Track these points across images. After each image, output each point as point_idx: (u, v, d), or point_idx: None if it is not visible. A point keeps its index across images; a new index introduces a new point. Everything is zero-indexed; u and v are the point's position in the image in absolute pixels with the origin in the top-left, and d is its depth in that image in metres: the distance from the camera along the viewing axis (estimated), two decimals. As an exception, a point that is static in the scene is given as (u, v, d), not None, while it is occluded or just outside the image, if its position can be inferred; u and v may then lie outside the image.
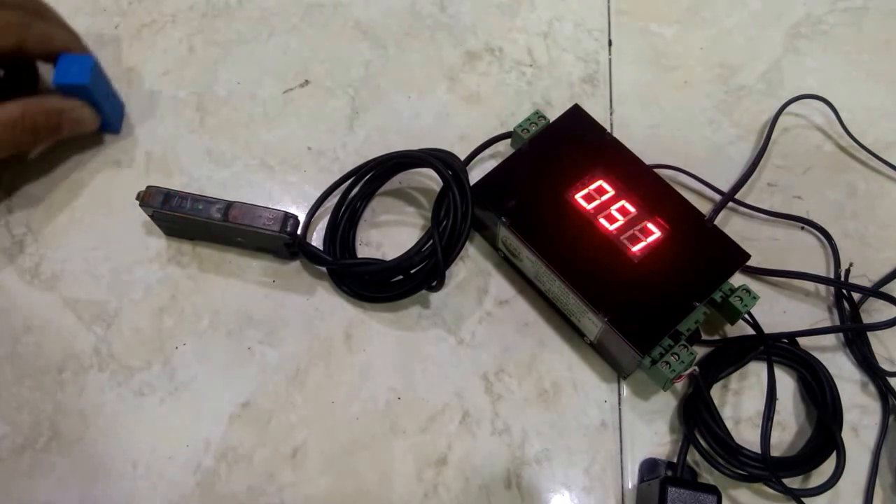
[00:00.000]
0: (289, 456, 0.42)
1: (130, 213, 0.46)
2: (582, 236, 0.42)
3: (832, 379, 0.42)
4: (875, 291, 0.44)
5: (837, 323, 0.45)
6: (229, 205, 0.43)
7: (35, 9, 0.45)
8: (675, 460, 0.41)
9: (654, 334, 0.39)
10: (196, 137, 0.50)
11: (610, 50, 0.53)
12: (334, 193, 0.47)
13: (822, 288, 0.46)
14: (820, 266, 0.46)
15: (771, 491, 0.40)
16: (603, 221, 0.42)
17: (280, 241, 0.44)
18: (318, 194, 0.47)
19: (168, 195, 0.43)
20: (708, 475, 0.41)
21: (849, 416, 0.42)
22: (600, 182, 0.43)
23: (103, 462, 0.42)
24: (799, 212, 0.47)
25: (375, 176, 0.47)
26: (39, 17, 0.45)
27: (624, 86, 0.52)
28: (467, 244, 0.47)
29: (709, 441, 0.41)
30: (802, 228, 0.47)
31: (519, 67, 0.53)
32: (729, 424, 0.41)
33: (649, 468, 0.41)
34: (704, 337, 0.44)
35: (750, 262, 0.41)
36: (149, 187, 0.44)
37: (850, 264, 0.46)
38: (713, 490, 0.38)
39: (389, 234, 0.47)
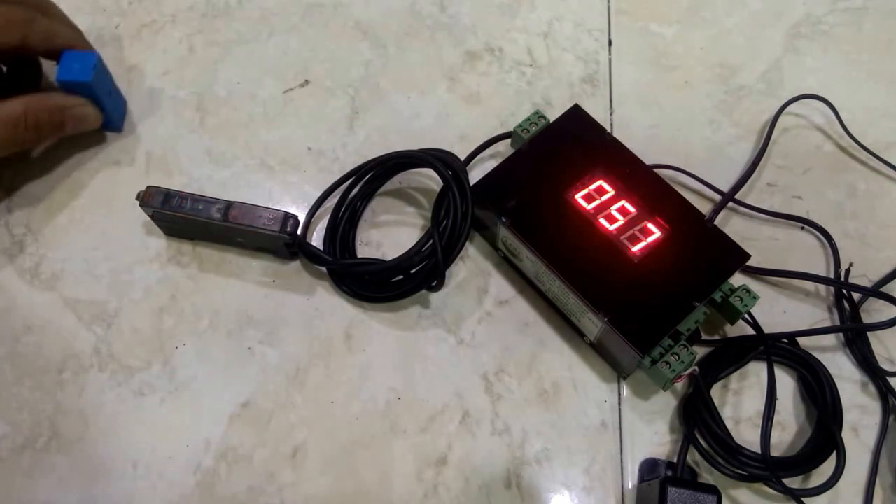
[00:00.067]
0: (289, 456, 0.42)
1: (130, 213, 0.46)
2: (582, 236, 0.42)
3: (832, 379, 0.42)
4: (875, 291, 0.44)
5: (837, 323, 0.45)
6: (229, 205, 0.43)
7: (39, 5, 0.45)
8: (675, 460, 0.41)
9: (654, 334, 0.39)
10: (196, 137, 0.50)
11: (610, 50, 0.53)
12: (334, 193, 0.47)
13: (822, 288, 0.46)
14: (820, 266, 0.46)
15: (771, 491, 0.40)
16: (603, 221, 0.42)
17: (280, 241, 0.44)
18: (318, 194, 0.47)
19: (168, 195, 0.43)
20: (708, 475, 0.41)
21: (849, 416, 0.42)
22: (600, 182, 0.43)
23: (103, 462, 0.42)
24: (799, 212, 0.47)
25: (375, 176, 0.47)
26: (43, 14, 0.45)
27: (624, 86, 0.52)
28: (467, 244, 0.47)
29: (709, 441, 0.41)
30: (802, 228, 0.47)
31: (519, 67, 0.53)
32: (729, 424, 0.41)
33: (649, 468, 0.41)
34: (704, 337, 0.44)
35: (750, 262, 0.41)
36: (149, 187, 0.44)
37: (850, 264, 0.46)
38: (713, 490, 0.38)
39: (389, 234, 0.47)
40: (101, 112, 0.47)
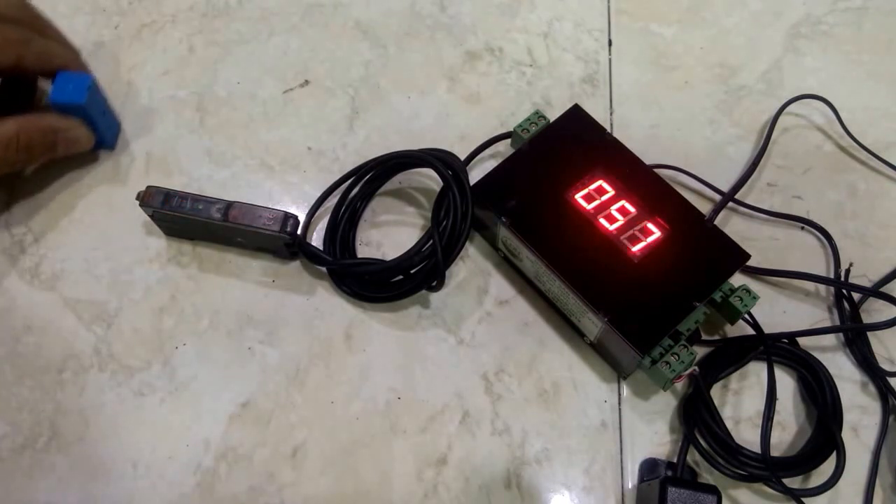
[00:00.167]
0: (289, 456, 0.42)
1: (130, 213, 0.46)
2: (582, 236, 0.42)
3: (832, 379, 0.42)
4: (875, 291, 0.44)
5: (837, 323, 0.45)
6: (229, 205, 0.43)
7: (35, 24, 0.45)
8: (675, 460, 0.41)
9: (654, 334, 0.39)
10: (196, 137, 0.50)
11: (610, 50, 0.53)
12: (334, 193, 0.47)
13: (822, 288, 0.46)
14: (820, 266, 0.46)
15: (771, 491, 0.40)
16: (603, 221, 0.42)
17: (280, 241, 0.44)
18: (318, 194, 0.47)
19: (168, 195, 0.43)
20: (708, 475, 0.41)
21: (849, 416, 0.42)
22: (600, 182, 0.43)
23: (103, 462, 0.42)
24: (799, 212, 0.47)
25: (375, 176, 0.47)
26: (39, 33, 0.45)
27: (624, 86, 0.52)
28: (467, 244, 0.47)
29: (709, 441, 0.41)
30: (802, 228, 0.47)
31: (519, 67, 0.53)
32: (729, 424, 0.41)
33: (649, 468, 0.41)
34: (704, 337, 0.44)
35: (750, 262, 0.41)
36: (149, 187, 0.44)
37: (850, 264, 0.46)
38: (713, 490, 0.38)
39: (389, 234, 0.47)
40: (95, 133, 0.47)
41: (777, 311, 0.45)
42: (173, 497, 0.41)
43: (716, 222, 0.45)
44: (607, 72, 0.53)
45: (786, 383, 0.44)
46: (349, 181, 0.47)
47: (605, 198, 0.43)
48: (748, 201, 0.47)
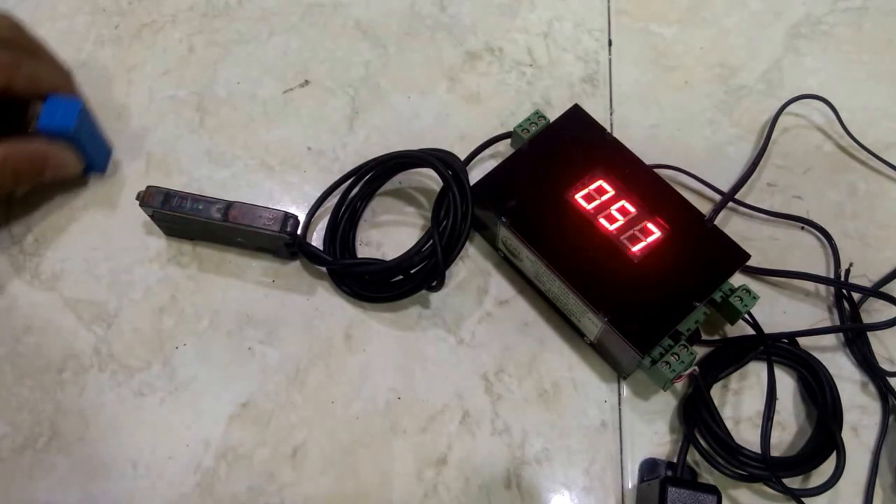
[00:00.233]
0: (289, 456, 0.42)
1: (130, 213, 0.46)
2: (582, 236, 0.42)
3: (832, 379, 0.42)
4: (875, 291, 0.44)
5: (837, 323, 0.45)
6: (229, 205, 0.43)
7: (27, 47, 0.45)
8: (675, 460, 0.41)
9: (654, 334, 0.39)
10: (196, 137, 0.50)
11: (610, 50, 0.53)
12: (334, 193, 0.47)
13: (822, 288, 0.46)
14: (820, 266, 0.46)
15: (771, 491, 0.40)
16: (603, 221, 0.42)
17: (280, 241, 0.44)
18: (318, 194, 0.47)
19: (168, 195, 0.43)
20: (708, 475, 0.41)
21: (849, 416, 0.42)
22: (600, 182, 0.43)
23: (103, 462, 0.42)
24: (799, 212, 0.47)
25: (375, 176, 0.47)
26: (30, 56, 0.44)
27: (624, 86, 0.52)
28: (467, 244, 0.47)
29: (709, 441, 0.41)
30: (802, 228, 0.47)
31: (519, 67, 0.53)
32: (729, 424, 0.41)
33: (649, 468, 0.41)
34: (704, 337, 0.44)
35: (750, 262, 0.41)
36: (149, 187, 0.44)
37: (850, 264, 0.46)
38: (713, 490, 0.38)
39: (389, 234, 0.47)
40: (83, 159, 0.46)
41: (777, 311, 0.45)
42: (173, 497, 0.41)
43: (716, 222, 0.45)
44: (607, 72, 0.53)
45: (786, 383, 0.44)
46: (349, 181, 0.47)
47: (605, 198, 0.43)
48: (748, 201, 0.47)
